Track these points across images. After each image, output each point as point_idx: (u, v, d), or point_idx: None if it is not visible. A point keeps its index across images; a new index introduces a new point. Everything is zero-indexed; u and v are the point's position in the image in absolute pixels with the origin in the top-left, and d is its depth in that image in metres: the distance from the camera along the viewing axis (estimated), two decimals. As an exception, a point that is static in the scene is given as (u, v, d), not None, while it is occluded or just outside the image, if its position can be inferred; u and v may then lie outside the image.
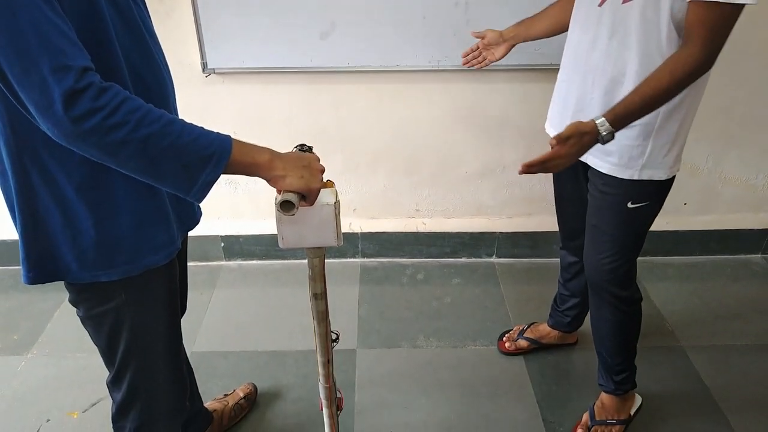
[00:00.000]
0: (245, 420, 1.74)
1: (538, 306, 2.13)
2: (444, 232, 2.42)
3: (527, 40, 1.62)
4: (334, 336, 1.23)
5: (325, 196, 0.99)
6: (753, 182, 2.38)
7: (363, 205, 2.41)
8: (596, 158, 1.40)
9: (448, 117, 2.20)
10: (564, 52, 1.48)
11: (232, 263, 2.44)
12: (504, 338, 1.99)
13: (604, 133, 1.19)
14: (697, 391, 1.83)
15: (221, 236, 2.39)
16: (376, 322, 2.12)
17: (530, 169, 1.22)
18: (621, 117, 1.20)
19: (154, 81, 1.02)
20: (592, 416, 1.68)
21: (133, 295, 1.05)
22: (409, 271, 2.40)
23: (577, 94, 1.40)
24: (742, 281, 2.35)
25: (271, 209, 2.36)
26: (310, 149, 1.04)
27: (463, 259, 2.47)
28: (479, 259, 2.47)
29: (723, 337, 2.05)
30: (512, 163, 2.31)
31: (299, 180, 0.92)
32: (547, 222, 2.38)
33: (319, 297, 1.13)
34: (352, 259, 2.45)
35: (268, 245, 2.42)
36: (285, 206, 0.92)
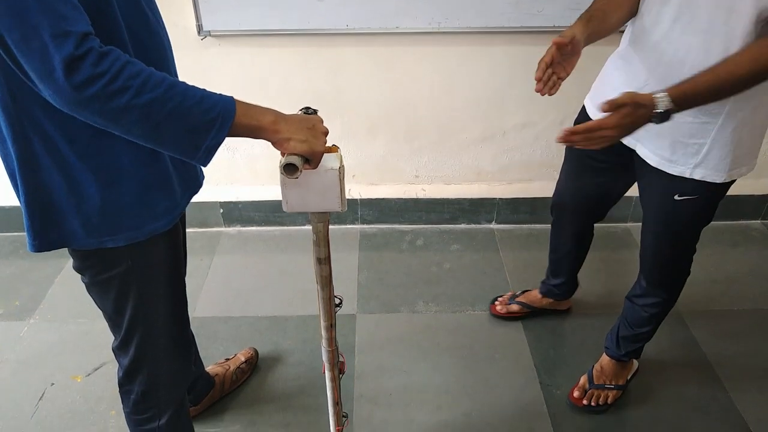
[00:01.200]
0: (247, 384, 1.76)
1: (537, 272, 2.13)
2: (443, 198, 2.41)
3: (602, 38, 1.33)
4: (337, 300, 1.23)
5: (329, 161, 0.98)
6: (755, 148, 2.36)
7: (362, 171, 2.39)
8: (646, 148, 1.31)
9: (449, 81, 2.17)
10: (627, 26, 1.33)
11: (232, 229, 2.44)
12: (496, 302, 2.01)
13: (662, 110, 1.06)
14: (694, 357, 1.86)
15: (220, 202, 2.38)
16: (375, 288, 2.13)
17: (572, 137, 1.10)
18: (686, 96, 1.07)
19: (153, 44, 1.00)
20: (590, 380, 1.70)
21: (138, 261, 1.05)
22: (409, 237, 2.40)
23: (630, 76, 1.28)
24: (741, 247, 2.36)
25: (270, 175, 2.35)
26: (315, 112, 1.02)
27: (463, 225, 2.47)
28: (478, 225, 2.47)
29: (721, 303, 2.06)
30: (513, 129, 2.29)
31: (302, 143, 0.91)
32: (548, 188, 2.36)
33: (323, 262, 1.13)
34: (351, 226, 2.45)
35: (267, 211, 2.41)
36: (288, 169, 0.92)
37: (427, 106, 2.23)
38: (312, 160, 0.93)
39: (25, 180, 0.93)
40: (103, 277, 1.05)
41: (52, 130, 0.90)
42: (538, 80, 1.23)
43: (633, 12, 1.30)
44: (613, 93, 1.26)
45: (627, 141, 1.35)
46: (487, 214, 2.45)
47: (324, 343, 1.28)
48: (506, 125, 2.28)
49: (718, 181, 1.25)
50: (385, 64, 2.13)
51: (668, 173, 1.28)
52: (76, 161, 0.93)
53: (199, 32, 1.99)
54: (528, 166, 2.38)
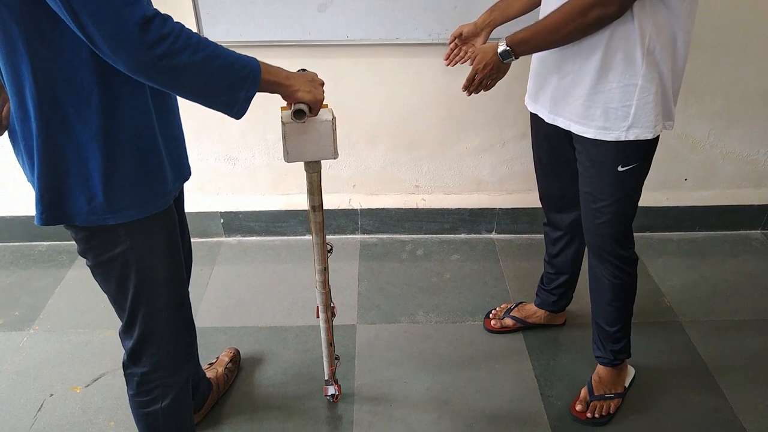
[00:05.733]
0: (246, 394, 1.76)
1: (537, 282, 2.14)
2: (444, 208, 2.42)
3: (505, 22, 1.61)
4: (329, 247, 1.39)
5: (323, 114, 1.15)
6: (754, 157, 2.37)
7: (362, 181, 2.40)
8: (579, 124, 1.40)
9: (448, 91, 2.18)
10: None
11: (232, 239, 2.44)
12: (490, 316, 2.00)
13: (500, 50, 1.34)
14: (695, 366, 1.85)
15: (221, 212, 2.38)
16: (375, 298, 2.13)
17: (469, 89, 1.43)
18: (517, 40, 1.31)
19: None
20: (590, 391, 1.69)
21: (137, 241, 1.11)
22: (409, 248, 2.40)
23: (555, 65, 1.40)
24: (742, 257, 2.36)
25: (270, 185, 2.37)
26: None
27: (463, 235, 2.47)
28: (479, 235, 2.47)
29: (721, 313, 2.06)
30: (512, 139, 2.30)
31: (308, 93, 1.10)
32: (547, 198, 2.38)
33: (317, 209, 1.28)
34: (351, 236, 2.45)
35: (267, 221, 2.41)
36: (298, 114, 1.09)
37: (426, 116, 2.24)
38: (314, 108, 1.11)
39: (41, 155, 0.99)
40: (105, 258, 1.11)
41: (71, 111, 0.97)
42: (446, 58, 1.66)
43: (534, 2, 1.53)
44: (552, 86, 1.44)
45: (561, 123, 1.45)
46: (487, 224, 2.46)
47: (318, 286, 1.44)
48: (506, 135, 2.29)
49: (649, 137, 1.36)
50: (385, 74, 2.14)
51: (606, 142, 1.37)
52: (87, 141, 0.99)
53: (200, 43, 2.00)
54: (528, 176, 2.39)
